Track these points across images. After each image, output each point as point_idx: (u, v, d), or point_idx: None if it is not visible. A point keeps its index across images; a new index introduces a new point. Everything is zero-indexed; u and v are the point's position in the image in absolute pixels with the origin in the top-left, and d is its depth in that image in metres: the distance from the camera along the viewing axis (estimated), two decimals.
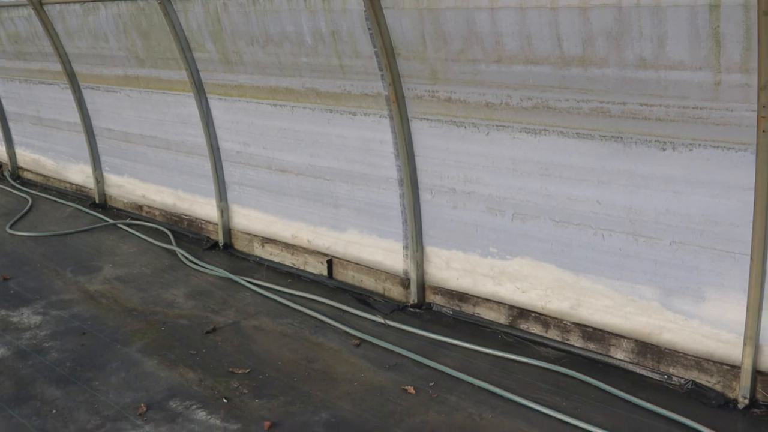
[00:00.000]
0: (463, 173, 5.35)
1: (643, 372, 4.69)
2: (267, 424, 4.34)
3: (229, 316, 5.94)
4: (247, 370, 5.01)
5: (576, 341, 5.03)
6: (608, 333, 4.87)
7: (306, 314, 5.89)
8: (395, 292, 6.07)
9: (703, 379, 4.46)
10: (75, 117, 9.14)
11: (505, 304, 5.40)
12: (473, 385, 4.69)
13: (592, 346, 4.95)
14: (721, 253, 4.28)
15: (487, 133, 5.10)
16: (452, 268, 5.70)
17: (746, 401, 4.25)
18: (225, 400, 4.63)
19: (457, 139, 5.29)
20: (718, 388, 4.41)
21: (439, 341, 5.31)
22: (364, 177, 6.04)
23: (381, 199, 5.97)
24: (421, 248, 5.83)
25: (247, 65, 6.49)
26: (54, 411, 4.54)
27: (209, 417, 4.45)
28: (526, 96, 4.78)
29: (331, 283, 6.50)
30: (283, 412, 4.49)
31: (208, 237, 7.77)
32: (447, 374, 4.84)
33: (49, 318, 5.94)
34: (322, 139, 6.27)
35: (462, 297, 5.66)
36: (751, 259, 4.11)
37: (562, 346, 5.06)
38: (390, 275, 6.10)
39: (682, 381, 4.52)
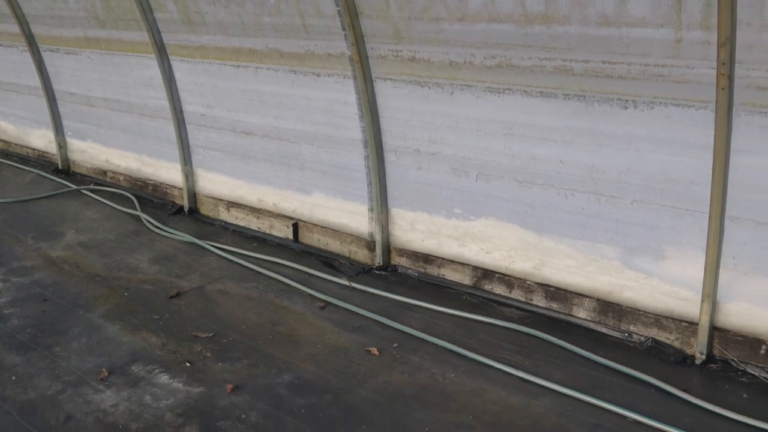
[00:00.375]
0: (428, 134, 5.31)
1: (605, 330, 4.74)
2: (230, 386, 4.33)
3: (194, 280, 5.89)
4: (211, 334, 4.98)
5: (539, 301, 5.05)
6: (571, 292, 4.89)
7: (271, 278, 5.85)
8: (361, 254, 6.05)
9: (663, 336, 4.51)
10: (35, 80, 8.91)
11: (469, 265, 5.40)
12: (437, 345, 4.71)
13: (555, 305, 4.98)
14: (680, 212, 4.29)
15: (451, 93, 5.05)
16: (417, 229, 5.68)
17: (703, 357, 4.31)
18: (188, 364, 4.60)
19: (422, 99, 5.23)
20: (676, 344, 4.46)
21: (404, 303, 5.32)
22: (329, 139, 5.97)
23: (346, 161, 5.91)
24: (386, 210, 5.80)
25: (210, 25, 6.35)
26: (14, 377, 4.48)
27: (172, 381, 4.42)
28: (490, 54, 4.72)
29: (297, 246, 6.46)
30: (247, 374, 4.48)
31: (173, 202, 7.67)
32: (411, 335, 4.85)
33: (10, 285, 5.84)
34: (287, 100, 6.17)
35: (427, 259, 5.65)
36: (710, 217, 4.13)
37: (525, 306, 5.09)
38: (355, 238, 6.07)
39: (642, 338, 4.57)
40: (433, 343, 4.73)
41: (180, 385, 4.37)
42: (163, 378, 4.45)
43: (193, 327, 5.09)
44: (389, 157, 5.62)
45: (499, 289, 5.25)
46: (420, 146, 5.39)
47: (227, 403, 4.18)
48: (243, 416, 4.05)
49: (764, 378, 4.09)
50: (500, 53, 4.67)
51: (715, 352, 4.33)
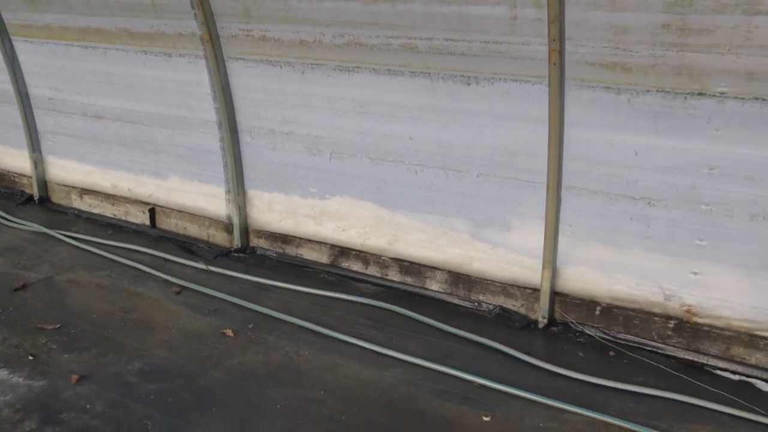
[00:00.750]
0: (281, 113, 5.27)
1: (456, 301, 4.88)
2: (75, 377, 4.16)
3: (42, 271, 5.60)
4: (58, 325, 4.76)
5: (394, 276, 5.14)
6: (424, 266, 5.01)
7: (125, 265, 5.66)
8: (219, 237, 5.95)
9: (509, 304, 4.70)
10: None
11: (326, 243, 5.42)
12: (293, 324, 4.70)
13: (409, 279, 5.08)
14: (521, 183, 4.47)
15: (303, 72, 5.03)
16: (274, 210, 5.64)
17: (545, 321, 4.53)
18: (31, 357, 4.38)
19: (274, 78, 5.18)
20: (522, 311, 4.66)
21: (262, 284, 5.28)
22: (183, 121, 5.82)
23: (201, 144, 5.78)
24: (243, 192, 5.72)
25: (54, 4, 6.02)
26: None
27: (11, 376, 4.19)
28: (339, 33, 4.73)
29: (154, 232, 6.28)
30: (95, 364, 4.32)
31: (23, 191, 7.28)
32: (268, 315, 4.82)
33: None
34: (138, 82, 5.96)
35: (285, 239, 5.63)
36: (548, 188, 4.32)
37: (381, 282, 5.17)
38: (214, 221, 5.96)
39: (491, 307, 4.74)
40: (289, 323, 4.72)
41: (20, 380, 4.15)
42: (2, 374, 4.22)
43: (38, 319, 4.85)
44: (244, 138, 5.54)
45: (356, 266, 5.30)
46: (274, 126, 5.34)
47: (71, 394, 4.01)
48: (88, 406, 3.89)
49: (599, 337, 4.35)
50: (349, 31, 4.68)
51: (557, 315, 4.55)
